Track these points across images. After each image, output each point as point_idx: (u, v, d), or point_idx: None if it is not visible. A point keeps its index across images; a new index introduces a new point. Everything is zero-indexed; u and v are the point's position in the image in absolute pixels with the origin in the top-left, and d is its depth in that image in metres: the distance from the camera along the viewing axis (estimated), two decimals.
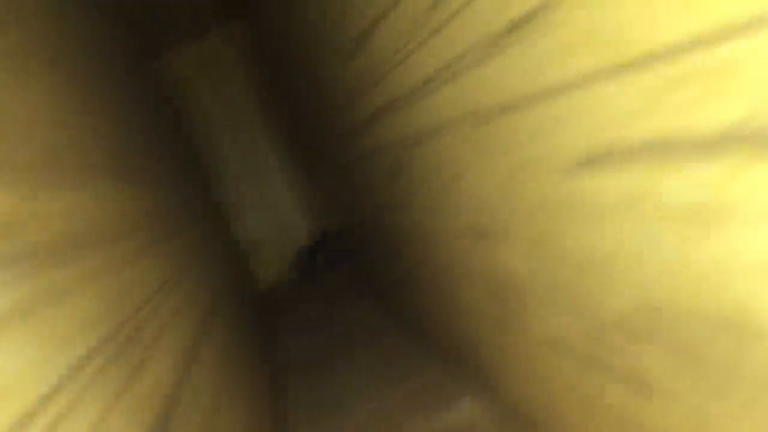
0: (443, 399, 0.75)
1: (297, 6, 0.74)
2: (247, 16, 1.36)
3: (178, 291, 0.58)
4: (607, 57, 0.25)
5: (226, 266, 1.18)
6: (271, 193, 2.01)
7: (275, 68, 1.23)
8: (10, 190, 0.29)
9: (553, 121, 0.31)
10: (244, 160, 1.99)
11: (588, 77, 0.27)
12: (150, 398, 0.36)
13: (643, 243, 0.28)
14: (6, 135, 0.31)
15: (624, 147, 0.26)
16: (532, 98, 0.32)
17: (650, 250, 0.28)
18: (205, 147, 1.97)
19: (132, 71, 1.03)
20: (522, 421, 0.58)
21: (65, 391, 0.25)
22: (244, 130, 1.99)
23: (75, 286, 0.31)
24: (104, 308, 0.35)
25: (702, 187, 0.23)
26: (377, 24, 0.49)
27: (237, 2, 1.41)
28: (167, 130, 1.20)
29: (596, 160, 0.29)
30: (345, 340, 1.14)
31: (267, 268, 2.01)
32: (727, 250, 0.23)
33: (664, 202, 0.25)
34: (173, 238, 0.68)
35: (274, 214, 2.02)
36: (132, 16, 1.50)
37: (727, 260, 0.23)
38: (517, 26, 0.30)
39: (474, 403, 0.71)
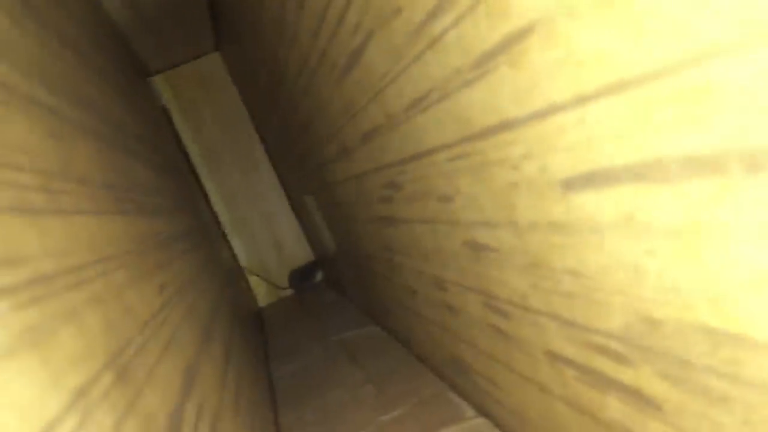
0: (447, 412, 0.75)
1: (285, 28, 0.75)
2: (239, 42, 1.37)
3: (179, 308, 0.59)
4: (596, 78, 0.26)
5: (224, 284, 1.18)
6: (270, 212, 2.02)
7: (264, 93, 1.24)
8: (16, 215, 0.29)
9: (543, 141, 0.32)
10: (243, 178, 2.00)
11: (576, 98, 0.27)
12: (155, 418, 0.37)
13: (639, 259, 0.28)
14: (10, 159, 0.31)
15: (614, 166, 0.27)
16: (522, 119, 0.32)
17: (646, 266, 0.28)
18: (206, 164, 1.97)
19: (133, 91, 1.04)
20: None
21: (74, 414, 0.26)
22: (242, 148, 2.00)
23: (81, 309, 0.32)
24: (109, 329, 0.35)
25: (693, 204, 0.23)
26: (369, 41, 0.50)
27: (229, 30, 1.43)
28: (167, 150, 1.20)
29: (588, 179, 0.29)
30: (345, 356, 1.14)
31: (265, 286, 2.01)
32: (721, 265, 0.23)
33: (657, 220, 0.26)
34: (174, 260, 0.69)
35: (273, 234, 2.02)
36: (133, 39, 1.52)
37: (723, 276, 0.24)
38: (506, 47, 0.31)
39: (477, 416, 0.71)
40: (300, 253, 2.04)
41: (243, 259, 1.99)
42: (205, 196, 1.93)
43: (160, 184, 0.86)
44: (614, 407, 0.37)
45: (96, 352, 0.32)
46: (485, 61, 0.34)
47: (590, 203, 0.30)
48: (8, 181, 0.30)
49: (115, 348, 0.35)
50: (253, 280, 2.00)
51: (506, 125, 0.35)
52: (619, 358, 0.34)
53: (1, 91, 0.34)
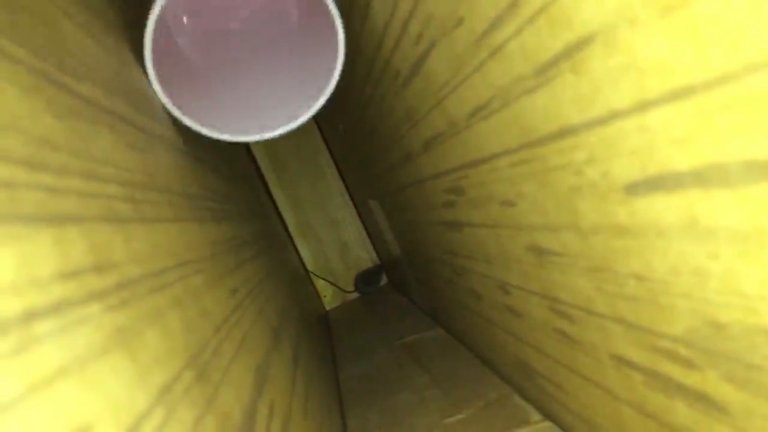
0: (513, 416, 0.75)
1: (350, 38, 0.77)
2: None
3: (250, 311, 0.61)
4: (657, 85, 0.26)
5: (292, 287, 1.21)
6: (335, 217, 2.05)
7: (328, 102, 1.26)
8: (104, 224, 0.31)
9: (606, 146, 0.32)
10: (309, 184, 2.04)
11: (638, 104, 0.28)
12: (231, 415, 0.39)
13: (703, 262, 0.29)
14: (98, 171, 0.34)
15: (677, 170, 0.27)
16: (585, 125, 0.33)
17: (709, 269, 0.28)
18: (274, 170, 2.02)
19: None
20: None
21: (160, 409, 0.28)
22: (308, 155, 2.04)
23: (164, 311, 0.34)
24: (188, 331, 0.37)
25: (755, 208, 0.24)
26: (431, 51, 0.51)
27: None
28: (237, 159, 1.24)
29: (650, 183, 0.30)
30: (411, 359, 1.15)
31: (331, 289, 2.04)
32: None
33: (720, 223, 0.26)
34: (245, 264, 0.71)
35: (339, 238, 2.05)
36: None
37: None
38: (568, 55, 0.31)
39: (543, 419, 0.71)
40: (365, 256, 2.06)
41: (309, 264, 2.03)
42: (273, 202, 1.98)
43: (231, 191, 0.89)
44: (681, 411, 0.37)
45: (178, 352, 0.34)
46: (547, 69, 0.34)
47: (653, 207, 0.31)
48: (96, 192, 0.33)
49: (195, 348, 0.37)
50: (320, 284, 2.04)
51: (568, 131, 0.35)
52: (685, 362, 0.34)
53: (89, 108, 0.37)
